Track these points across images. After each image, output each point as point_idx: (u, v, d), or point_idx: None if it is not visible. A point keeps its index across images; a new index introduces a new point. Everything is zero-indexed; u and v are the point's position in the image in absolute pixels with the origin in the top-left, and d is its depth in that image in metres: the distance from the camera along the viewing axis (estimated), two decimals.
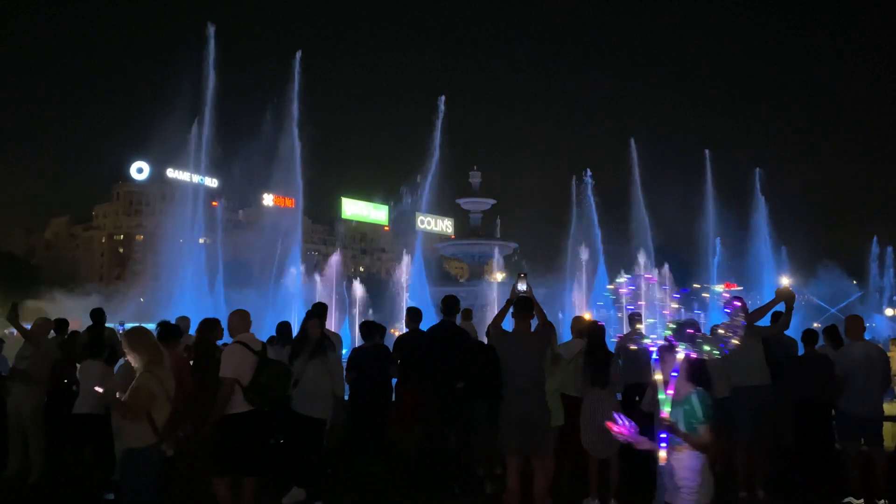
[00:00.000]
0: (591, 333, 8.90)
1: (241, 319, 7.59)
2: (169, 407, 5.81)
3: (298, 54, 36.04)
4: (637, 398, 9.53)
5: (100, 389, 5.99)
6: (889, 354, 12.90)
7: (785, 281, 9.23)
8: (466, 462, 9.06)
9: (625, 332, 10.91)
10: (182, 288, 33.53)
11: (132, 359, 5.88)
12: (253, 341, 7.36)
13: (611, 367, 8.50)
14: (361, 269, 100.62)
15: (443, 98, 39.48)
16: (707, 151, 44.66)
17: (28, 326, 10.07)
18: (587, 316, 28.21)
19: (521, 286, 7.84)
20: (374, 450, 10.01)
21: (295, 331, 10.81)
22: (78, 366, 9.36)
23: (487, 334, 9.71)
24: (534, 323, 7.73)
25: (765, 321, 9.16)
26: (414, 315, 9.56)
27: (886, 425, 9.65)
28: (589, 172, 42.66)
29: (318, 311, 8.88)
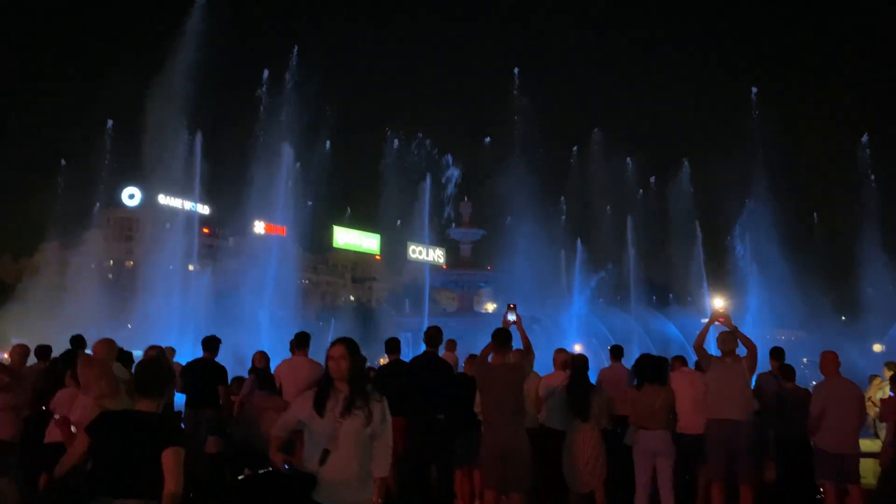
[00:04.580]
0: (574, 366, 8.94)
1: (103, 349, 7.52)
2: None
3: (287, 78, 36.44)
4: (618, 430, 9.56)
5: (58, 418, 5.93)
6: (868, 393, 12.97)
7: (718, 303, 9.32)
8: (446, 495, 9.01)
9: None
10: (170, 315, 33.37)
11: (86, 391, 5.81)
12: (122, 372, 7.22)
13: (594, 400, 8.52)
14: (352, 297, 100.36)
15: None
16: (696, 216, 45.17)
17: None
18: (577, 348, 28.25)
19: (511, 316, 7.94)
20: None
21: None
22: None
23: (466, 365, 9.71)
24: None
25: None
26: (393, 346, 9.55)
27: (867, 462, 9.69)
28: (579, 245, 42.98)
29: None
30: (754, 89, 44.47)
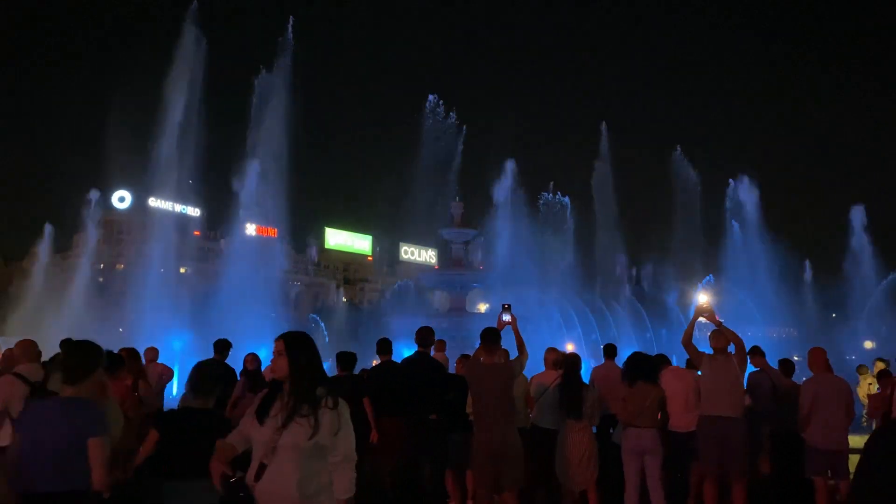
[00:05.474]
0: (566, 365, 8.94)
1: (22, 350, 7.62)
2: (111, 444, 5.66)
3: (278, 82, 36.40)
4: (611, 430, 9.58)
5: None
6: (866, 380, 13.02)
7: (702, 298, 9.33)
8: (439, 495, 9.00)
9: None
10: (162, 318, 33.24)
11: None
12: (33, 373, 7.23)
13: (586, 399, 8.53)
14: (344, 299, 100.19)
15: (434, 101, 40.11)
16: (679, 148, 45.25)
17: None
18: (570, 347, 28.24)
19: (506, 317, 7.94)
20: None
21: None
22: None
23: (458, 365, 9.70)
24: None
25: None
26: (385, 346, 9.53)
27: (858, 458, 9.74)
28: (568, 199, 43.19)
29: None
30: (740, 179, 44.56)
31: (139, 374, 9.01)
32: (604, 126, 44.51)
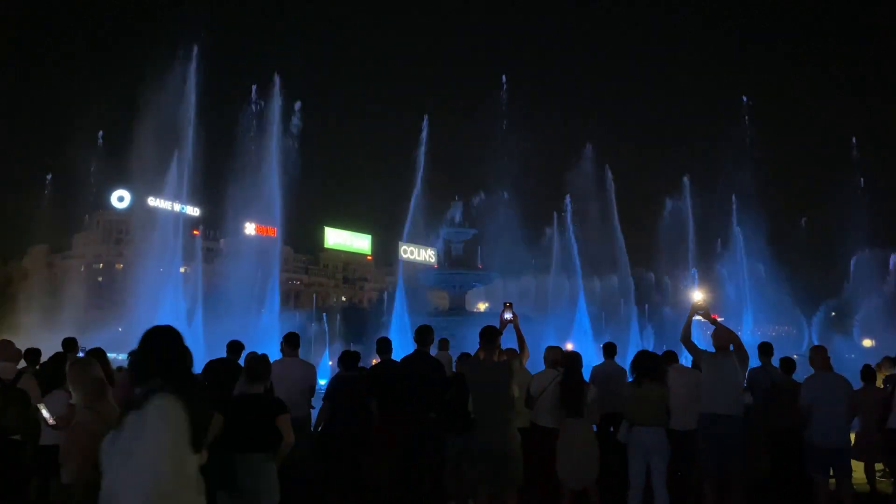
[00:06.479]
0: (567, 363, 8.91)
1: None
2: None
3: (277, 79, 36.43)
4: (612, 429, 9.56)
5: (52, 421, 6.09)
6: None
7: (698, 296, 9.36)
8: (438, 495, 8.99)
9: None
10: (161, 317, 33.27)
11: (74, 394, 5.85)
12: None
13: (587, 398, 8.50)
14: (343, 298, 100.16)
15: (425, 120, 40.17)
16: (686, 180, 45.43)
17: None
18: (569, 346, 28.18)
19: (507, 315, 7.92)
20: (346, 485, 9.82)
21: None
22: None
23: (459, 364, 9.68)
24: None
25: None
26: (385, 346, 9.50)
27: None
28: (569, 201, 43.34)
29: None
30: (745, 98, 44.93)
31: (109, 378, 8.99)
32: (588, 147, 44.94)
